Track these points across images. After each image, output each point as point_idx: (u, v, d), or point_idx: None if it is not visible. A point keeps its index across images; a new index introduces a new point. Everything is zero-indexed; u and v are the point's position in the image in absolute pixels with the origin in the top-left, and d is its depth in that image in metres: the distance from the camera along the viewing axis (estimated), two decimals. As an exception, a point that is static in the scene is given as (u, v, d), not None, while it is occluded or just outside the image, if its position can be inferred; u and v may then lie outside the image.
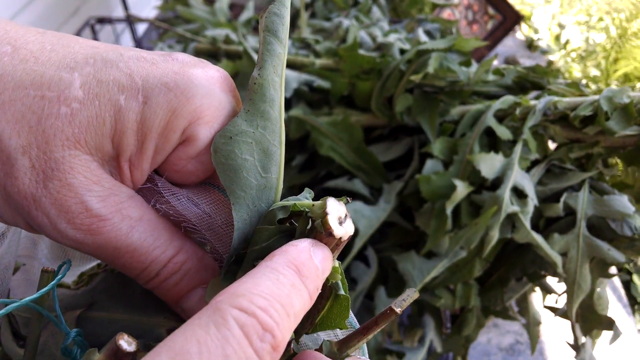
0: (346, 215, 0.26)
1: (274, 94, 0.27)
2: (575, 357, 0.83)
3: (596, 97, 0.81)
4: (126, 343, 0.22)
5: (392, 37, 1.13)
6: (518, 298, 0.90)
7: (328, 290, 0.29)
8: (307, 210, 0.27)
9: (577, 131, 0.83)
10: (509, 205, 0.78)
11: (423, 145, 0.96)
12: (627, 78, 2.42)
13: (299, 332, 0.31)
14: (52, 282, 0.30)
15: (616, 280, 1.69)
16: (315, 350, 0.30)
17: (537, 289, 0.91)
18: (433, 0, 1.63)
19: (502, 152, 0.84)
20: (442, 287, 0.87)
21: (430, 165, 0.86)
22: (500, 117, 0.88)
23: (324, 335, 0.32)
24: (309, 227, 0.27)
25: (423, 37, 1.20)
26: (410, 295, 0.30)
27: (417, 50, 0.93)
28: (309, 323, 0.30)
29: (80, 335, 0.28)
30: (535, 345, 0.90)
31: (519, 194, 0.82)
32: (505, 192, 0.79)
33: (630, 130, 0.79)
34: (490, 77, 0.97)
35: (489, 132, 0.87)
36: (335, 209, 0.26)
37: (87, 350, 0.23)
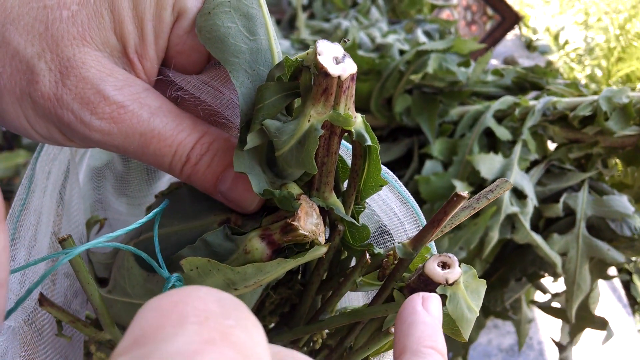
0: (344, 55, 0.25)
1: None
2: (559, 355, 0.83)
3: (595, 97, 0.81)
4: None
5: (391, 38, 1.13)
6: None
7: (360, 148, 0.28)
8: (301, 60, 0.26)
9: (577, 131, 0.83)
10: (508, 205, 0.78)
11: (422, 146, 0.95)
12: (628, 78, 2.42)
13: (346, 202, 0.30)
14: (155, 222, 0.31)
15: (616, 280, 1.69)
16: (388, 254, 0.30)
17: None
18: (432, 1, 1.63)
19: (502, 153, 0.84)
20: (441, 288, 0.87)
21: (429, 166, 0.86)
22: (500, 117, 0.88)
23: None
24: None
25: (422, 38, 1.20)
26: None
27: (417, 51, 0.93)
28: (353, 190, 0.30)
29: (180, 281, 0.29)
30: (523, 341, 0.91)
31: (519, 194, 0.82)
32: (505, 193, 0.79)
33: (629, 130, 0.79)
34: (490, 77, 0.97)
35: (488, 133, 0.87)
36: (327, 48, 0.25)
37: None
